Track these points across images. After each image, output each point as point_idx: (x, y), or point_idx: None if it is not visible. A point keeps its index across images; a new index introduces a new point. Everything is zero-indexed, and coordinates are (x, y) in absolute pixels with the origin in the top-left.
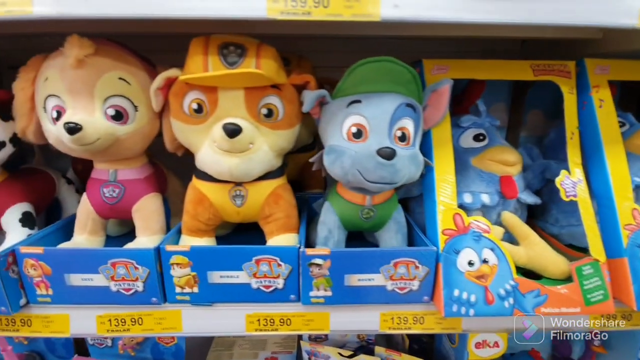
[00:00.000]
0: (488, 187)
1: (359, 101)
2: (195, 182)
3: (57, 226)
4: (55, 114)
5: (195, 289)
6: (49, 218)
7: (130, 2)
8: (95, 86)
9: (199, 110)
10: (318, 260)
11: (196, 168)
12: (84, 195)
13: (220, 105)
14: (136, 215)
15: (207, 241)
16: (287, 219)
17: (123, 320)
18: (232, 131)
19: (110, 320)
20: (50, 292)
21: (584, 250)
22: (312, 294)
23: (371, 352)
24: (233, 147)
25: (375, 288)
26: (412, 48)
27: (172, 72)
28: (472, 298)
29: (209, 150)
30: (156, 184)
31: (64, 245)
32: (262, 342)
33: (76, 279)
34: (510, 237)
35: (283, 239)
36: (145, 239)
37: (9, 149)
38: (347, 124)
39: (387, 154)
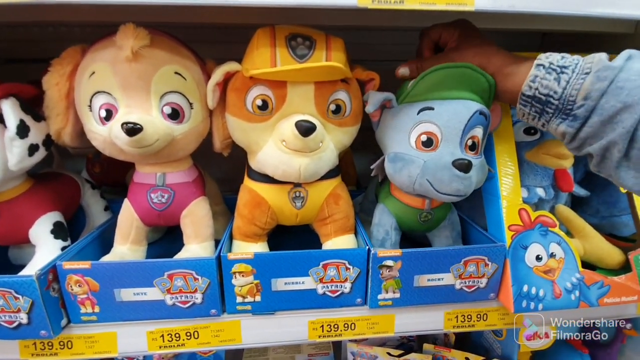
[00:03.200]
0: (543, 181)
1: (431, 108)
2: (250, 184)
3: (92, 237)
4: (104, 113)
5: (258, 298)
6: (71, 227)
7: None
8: (151, 81)
9: (264, 106)
10: (389, 262)
11: (251, 168)
12: (126, 202)
13: (288, 102)
14: (185, 221)
15: (262, 246)
16: (346, 220)
17: (177, 335)
18: (307, 129)
19: (162, 335)
20: (96, 309)
21: (625, 240)
22: (380, 296)
23: (411, 349)
24: (305, 146)
25: (443, 288)
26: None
27: (232, 66)
28: (541, 293)
29: (275, 150)
30: (202, 187)
31: (108, 258)
32: (297, 345)
33: (127, 294)
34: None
35: (343, 240)
36: (197, 247)
37: (41, 153)
38: (417, 131)
39: (465, 167)
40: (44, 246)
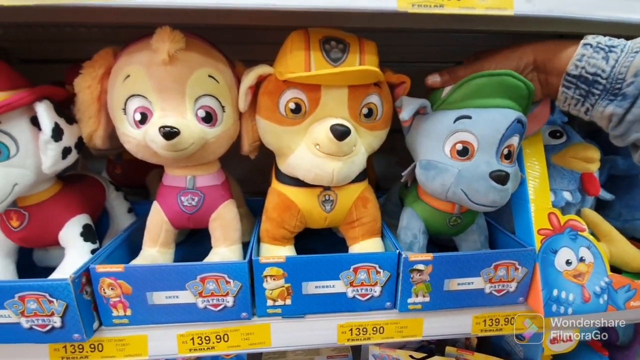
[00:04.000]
0: (570, 185)
1: (468, 117)
2: (279, 187)
3: (121, 239)
4: (139, 117)
5: (288, 301)
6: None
7: None
8: (186, 85)
9: (297, 110)
10: (420, 266)
11: (279, 171)
12: (156, 205)
13: (321, 105)
14: (214, 225)
15: (289, 250)
16: (373, 223)
17: (207, 338)
18: (342, 133)
19: (192, 338)
20: (128, 312)
21: None
22: (410, 300)
23: (431, 352)
24: (340, 150)
25: (473, 292)
26: (449, 42)
27: (265, 69)
28: (570, 297)
29: (308, 154)
30: (230, 190)
31: (138, 261)
32: (316, 348)
33: (159, 298)
34: None
35: (370, 244)
36: (226, 250)
37: (74, 156)
38: (453, 140)
39: (502, 179)
40: (74, 249)
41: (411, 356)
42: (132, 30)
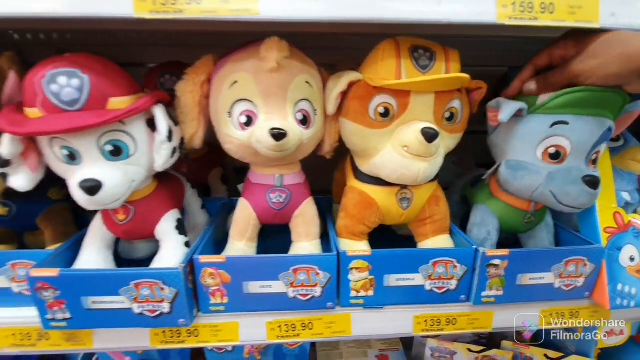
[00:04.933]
0: (629, 186)
1: (565, 123)
2: (359, 186)
3: (210, 234)
4: (244, 119)
5: (370, 293)
6: None
7: (358, 4)
8: (288, 90)
9: (386, 114)
10: (497, 261)
11: (358, 171)
12: (244, 201)
13: (409, 110)
14: (298, 221)
15: (366, 245)
16: (444, 221)
17: (293, 326)
18: (432, 136)
19: (280, 326)
20: (225, 300)
21: None
22: (484, 294)
23: (484, 346)
24: (428, 151)
25: (543, 286)
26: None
27: (355, 76)
28: (633, 291)
29: (395, 155)
30: (309, 188)
31: (229, 253)
32: (367, 340)
33: (254, 287)
34: None
35: (441, 240)
36: (308, 245)
37: (177, 155)
38: (546, 144)
39: (595, 183)
40: (170, 242)
41: (469, 349)
42: (183, 35)
